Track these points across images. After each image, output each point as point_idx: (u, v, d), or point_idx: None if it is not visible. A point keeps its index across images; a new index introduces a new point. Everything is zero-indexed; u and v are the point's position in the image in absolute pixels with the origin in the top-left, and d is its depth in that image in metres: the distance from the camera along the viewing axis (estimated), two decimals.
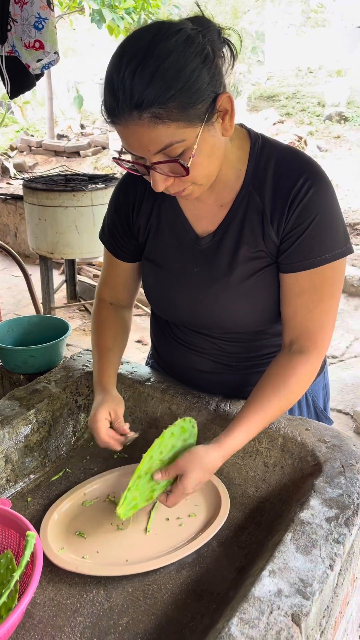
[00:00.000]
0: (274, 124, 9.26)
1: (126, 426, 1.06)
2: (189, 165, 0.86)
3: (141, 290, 1.25)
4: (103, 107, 0.85)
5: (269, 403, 1.00)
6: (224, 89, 0.88)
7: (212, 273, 1.05)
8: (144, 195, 1.11)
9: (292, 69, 12.52)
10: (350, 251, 0.98)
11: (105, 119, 0.86)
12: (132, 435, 1.06)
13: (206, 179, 0.94)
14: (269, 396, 1.00)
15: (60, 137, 10.29)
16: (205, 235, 1.06)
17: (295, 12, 16.56)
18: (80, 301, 4.36)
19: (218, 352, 1.16)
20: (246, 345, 1.14)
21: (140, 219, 1.12)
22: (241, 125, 1.03)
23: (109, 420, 1.05)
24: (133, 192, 1.12)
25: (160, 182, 0.89)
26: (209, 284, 1.06)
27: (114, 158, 0.94)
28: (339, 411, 3.05)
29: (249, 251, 1.02)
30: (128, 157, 0.92)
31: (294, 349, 1.03)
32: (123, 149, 0.91)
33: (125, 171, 1.03)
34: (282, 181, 0.97)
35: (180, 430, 0.98)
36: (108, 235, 1.19)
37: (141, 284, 1.24)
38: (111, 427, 1.06)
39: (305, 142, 8.72)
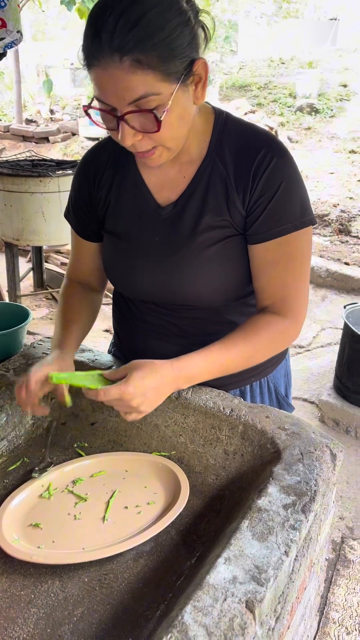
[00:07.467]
0: (246, 113, 9.24)
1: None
2: (162, 119, 0.85)
3: None
4: (81, 51, 0.84)
5: (234, 345, 1.01)
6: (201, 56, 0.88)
7: (174, 240, 1.05)
8: (105, 166, 1.10)
9: (264, 59, 12.49)
10: (315, 222, 1.01)
11: (82, 63, 0.85)
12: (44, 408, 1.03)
13: (174, 141, 0.93)
14: (236, 339, 1.02)
15: (28, 122, 10.05)
16: (166, 205, 1.06)
17: (268, 2, 16.54)
18: (47, 289, 4.29)
19: (179, 334, 1.15)
20: (207, 326, 1.13)
21: (100, 190, 1.11)
22: (206, 103, 1.04)
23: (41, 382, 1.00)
24: (94, 165, 1.11)
25: (129, 136, 0.88)
26: (171, 251, 1.05)
27: (83, 106, 0.91)
28: (305, 400, 3.09)
29: (212, 219, 1.02)
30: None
31: (269, 310, 1.05)
32: (95, 100, 0.88)
33: (89, 150, 1.02)
34: (244, 151, 0.99)
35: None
36: (72, 212, 1.18)
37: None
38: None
39: (276, 132, 8.74)
